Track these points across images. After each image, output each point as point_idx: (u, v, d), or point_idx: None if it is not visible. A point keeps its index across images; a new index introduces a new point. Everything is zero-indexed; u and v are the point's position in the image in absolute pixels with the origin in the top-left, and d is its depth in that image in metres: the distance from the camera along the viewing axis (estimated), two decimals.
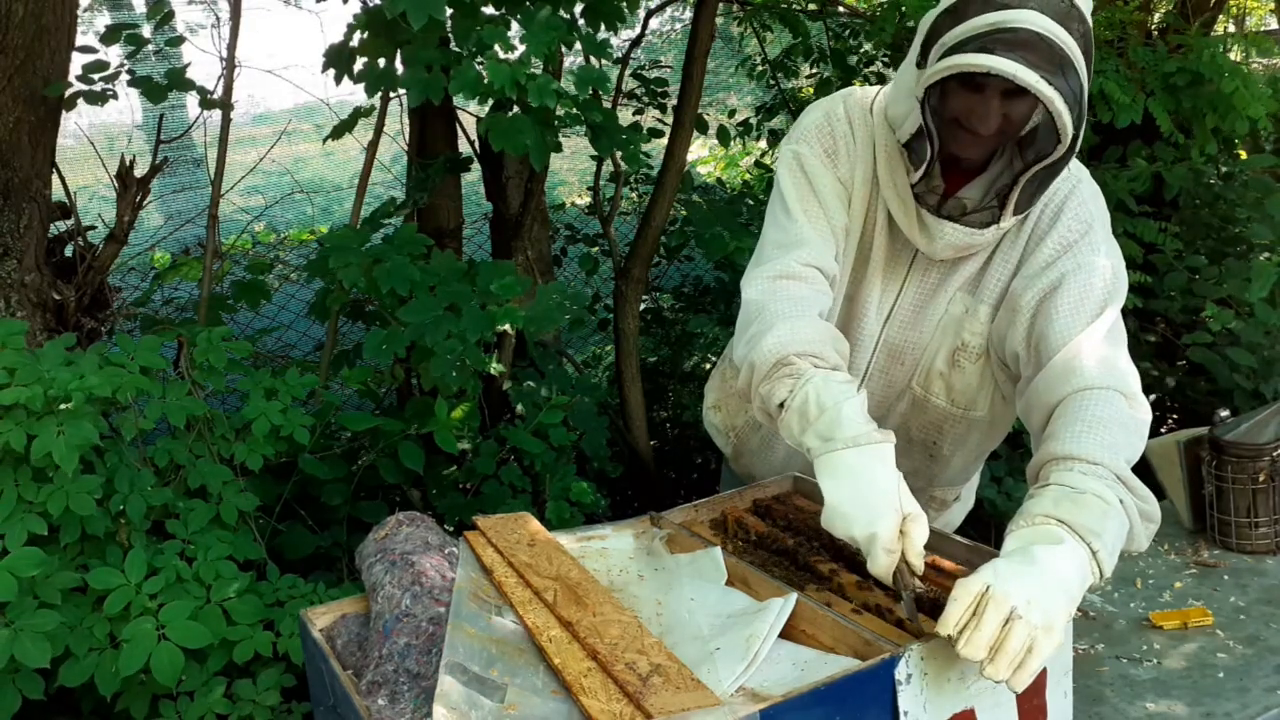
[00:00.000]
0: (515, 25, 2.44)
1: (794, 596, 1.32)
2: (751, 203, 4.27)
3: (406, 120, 3.07)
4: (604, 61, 2.51)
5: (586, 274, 4.02)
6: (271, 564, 2.05)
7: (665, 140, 3.30)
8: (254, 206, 4.24)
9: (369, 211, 2.90)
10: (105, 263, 2.48)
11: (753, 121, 4.86)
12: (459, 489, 2.65)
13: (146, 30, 2.79)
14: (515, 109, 2.35)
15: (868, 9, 4.54)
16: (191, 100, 2.83)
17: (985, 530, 3.14)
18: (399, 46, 2.48)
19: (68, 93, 2.42)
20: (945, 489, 1.98)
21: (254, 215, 4.03)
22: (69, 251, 2.54)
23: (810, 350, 1.45)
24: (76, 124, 3.35)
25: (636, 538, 1.59)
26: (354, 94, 2.64)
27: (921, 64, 1.48)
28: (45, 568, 1.66)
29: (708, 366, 4.23)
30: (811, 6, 4.48)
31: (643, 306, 3.86)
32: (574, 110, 2.41)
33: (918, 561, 1.29)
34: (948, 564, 1.41)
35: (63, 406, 1.77)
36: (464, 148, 3.21)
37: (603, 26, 2.56)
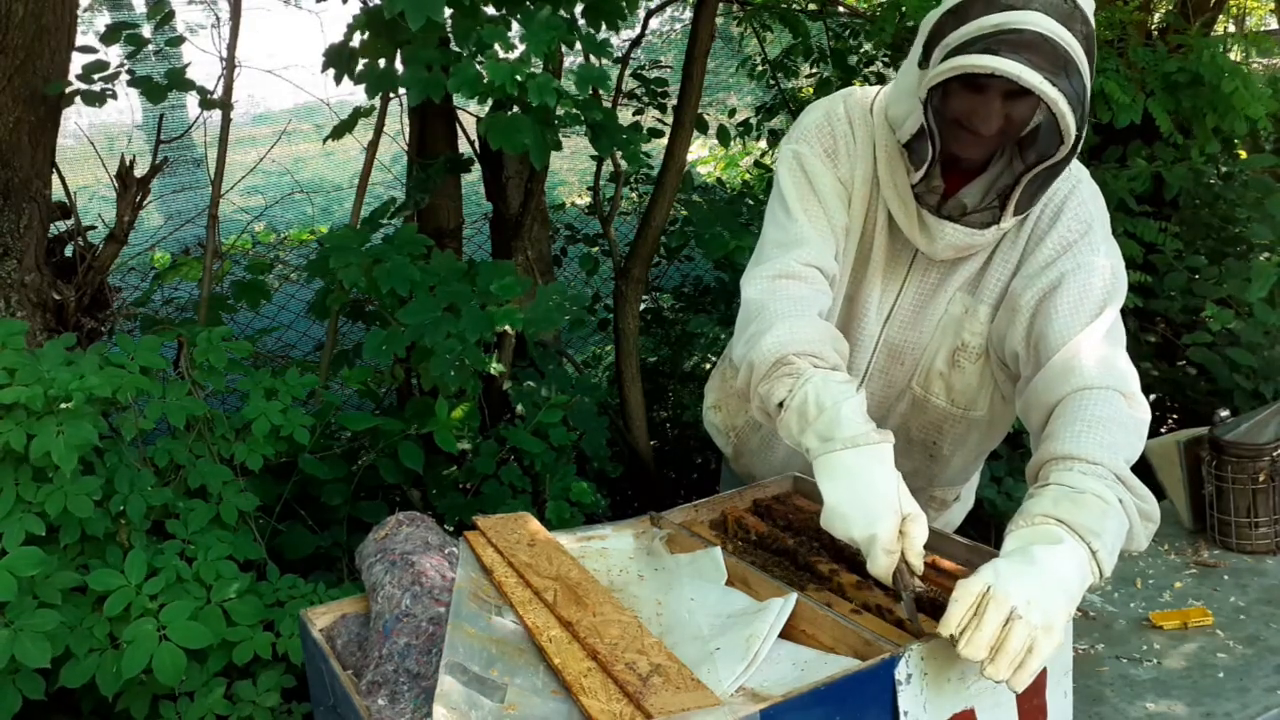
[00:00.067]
0: (516, 25, 2.44)
1: (794, 596, 1.32)
2: (751, 203, 4.28)
3: (406, 120, 3.07)
4: (604, 61, 2.51)
5: (586, 274, 4.02)
6: (271, 564, 2.05)
7: (665, 140, 3.30)
8: (254, 206, 4.24)
9: (369, 211, 2.90)
10: (105, 263, 2.48)
11: (753, 121, 4.86)
12: (459, 489, 2.65)
13: (146, 30, 2.79)
14: (515, 108, 2.35)
15: (868, 9, 4.55)
16: (191, 100, 2.83)
17: (985, 530, 3.14)
18: (399, 46, 2.48)
19: (67, 91, 2.42)
20: (945, 489, 1.99)
21: (254, 215, 4.04)
22: (69, 251, 2.54)
23: (809, 350, 1.45)
24: (76, 124, 3.36)
25: (636, 538, 1.59)
26: (354, 94, 2.64)
27: (924, 64, 1.47)
28: (45, 567, 1.66)
29: (708, 366, 4.23)
30: (811, 6, 4.48)
31: (643, 306, 3.87)
32: (574, 110, 2.41)
33: (917, 562, 1.29)
34: (948, 564, 1.41)
35: (63, 406, 1.77)
36: (464, 148, 3.22)
37: (603, 26, 2.56)
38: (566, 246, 4.25)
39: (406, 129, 3.09)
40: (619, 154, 3.01)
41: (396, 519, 1.50)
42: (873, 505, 1.29)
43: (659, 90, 3.94)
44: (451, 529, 2.41)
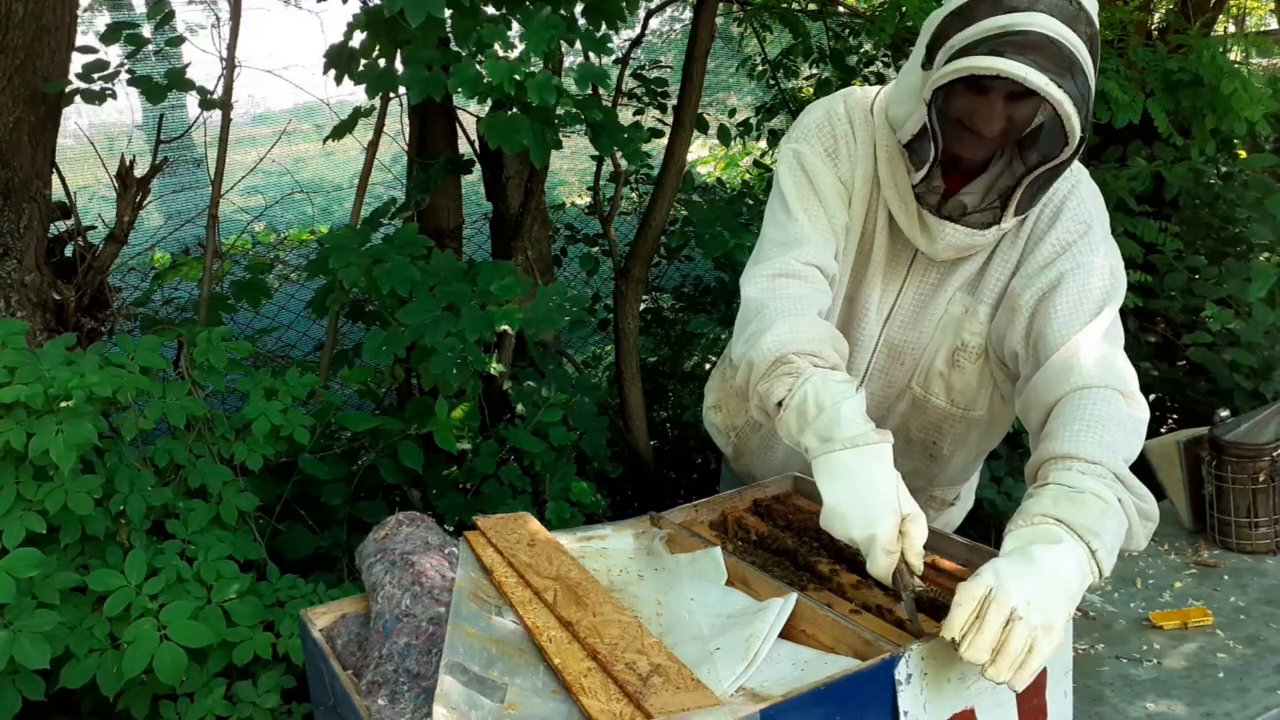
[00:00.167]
0: (516, 25, 2.44)
1: (794, 596, 1.32)
2: (751, 203, 4.28)
3: (406, 120, 3.07)
4: (604, 59, 2.51)
5: (586, 274, 4.02)
6: (271, 564, 2.05)
7: (665, 140, 3.30)
8: (254, 206, 4.24)
9: (369, 211, 2.90)
10: (105, 263, 2.48)
11: (753, 121, 4.86)
12: (459, 489, 2.65)
13: (146, 30, 2.79)
14: (514, 108, 2.35)
15: (868, 9, 4.55)
16: (191, 100, 2.83)
17: (985, 530, 3.14)
18: (399, 46, 2.48)
19: (67, 90, 2.42)
20: (945, 489, 1.99)
21: (254, 215, 4.03)
22: (69, 251, 2.54)
23: (809, 349, 1.45)
24: (76, 124, 3.36)
25: (636, 538, 1.59)
26: (354, 94, 2.64)
27: (927, 66, 1.47)
28: (44, 568, 1.66)
29: (708, 366, 4.23)
30: (811, 6, 4.48)
31: (643, 306, 3.87)
32: (574, 109, 2.41)
33: (917, 562, 1.29)
34: (948, 564, 1.41)
35: (63, 405, 1.77)
36: (464, 148, 3.22)
37: (603, 25, 2.56)
38: (566, 246, 4.25)
39: (406, 129, 3.09)
40: (619, 154, 3.01)
41: (396, 519, 1.49)
42: (872, 505, 1.29)
43: (659, 90, 3.94)
44: (451, 529, 2.41)
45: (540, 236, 3.48)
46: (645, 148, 2.74)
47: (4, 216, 2.28)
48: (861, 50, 4.54)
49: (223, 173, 2.74)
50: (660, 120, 3.79)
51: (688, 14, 4.77)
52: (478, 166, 3.27)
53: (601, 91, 3.39)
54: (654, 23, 4.74)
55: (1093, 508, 1.26)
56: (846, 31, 4.57)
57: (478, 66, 2.25)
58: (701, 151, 7.67)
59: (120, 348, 1.98)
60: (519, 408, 2.79)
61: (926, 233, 1.59)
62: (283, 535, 2.30)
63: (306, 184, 4.48)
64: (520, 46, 2.31)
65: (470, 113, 3.20)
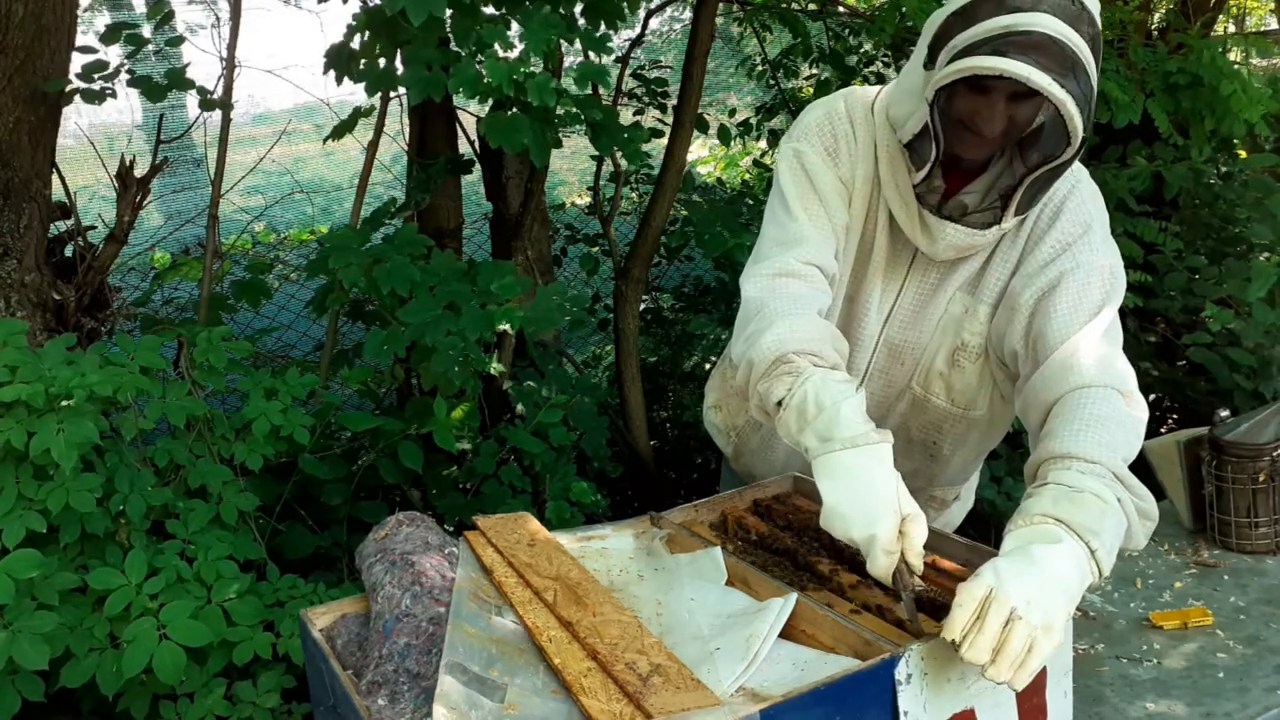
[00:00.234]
0: (516, 25, 2.44)
1: (794, 596, 1.32)
2: (751, 203, 4.28)
3: (406, 120, 3.07)
4: (604, 59, 2.51)
5: (586, 274, 4.02)
6: (271, 564, 2.05)
7: (665, 140, 3.30)
8: (254, 206, 4.24)
9: (369, 211, 2.90)
10: (105, 263, 2.48)
11: (753, 121, 4.86)
12: (459, 489, 2.65)
13: (146, 30, 2.79)
14: (514, 108, 2.35)
15: (868, 9, 4.54)
16: (191, 100, 2.83)
17: (985, 530, 3.14)
18: (399, 46, 2.48)
19: (67, 89, 2.42)
20: (945, 489, 1.99)
21: (254, 215, 4.03)
22: (69, 251, 2.54)
23: (809, 348, 1.45)
24: (76, 124, 3.35)
25: (636, 538, 1.59)
26: (354, 94, 2.64)
27: (929, 65, 1.47)
28: (44, 569, 1.66)
29: (708, 366, 4.23)
30: (811, 6, 4.48)
31: (643, 306, 3.87)
32: (574, 109, 2.41)
33: (917, 562, 1.29)
34: (948, 564, 1.41)
35: (64, 403, 1.77)
36: (464, 148, 3.22)
37: (602, 24, 2.56)
38: (566, 246, 4.25)
39: (406, 129, 3.09)
40: (619, 154, 3.01)
41: (396, 519, 1.49)
42: (872, 506, 1.29)
43: (659, 90, 3.94)
44: (451, 529, 2.41)
45: (540, 236, 3.48)
46: (645, 148, 2.74)
47: (4, 216, 2.28)
48: (861, 50, 4.54)
49: (223, 173, 2.74)
50: (660, 120, 3.79)
51: (688, 14, 4.77)
52: (478, 166, 3.27)
53: (601, 91, 3.39)
54: (654, 23, 4.74)
55: (1092, 507, 1.26)
56: (846, 31, 4.57)
57: (478, 66, 2.25)
58: (701, 151, 7.67)
59: (120, 348, 1.98)
60: (519, 408, 2.79)
61: (927, 233, 1.59)
62: (283, 535, 2.30)
63: (306, 184, 4.48)
64: (520, 46, 2.31)
65: (470, 113, 3.20)
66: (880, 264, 1.71)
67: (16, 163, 2.32)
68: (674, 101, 3.39)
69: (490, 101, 2.34)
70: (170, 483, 2.02)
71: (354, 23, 2.56)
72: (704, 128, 3.53)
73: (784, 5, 4.32)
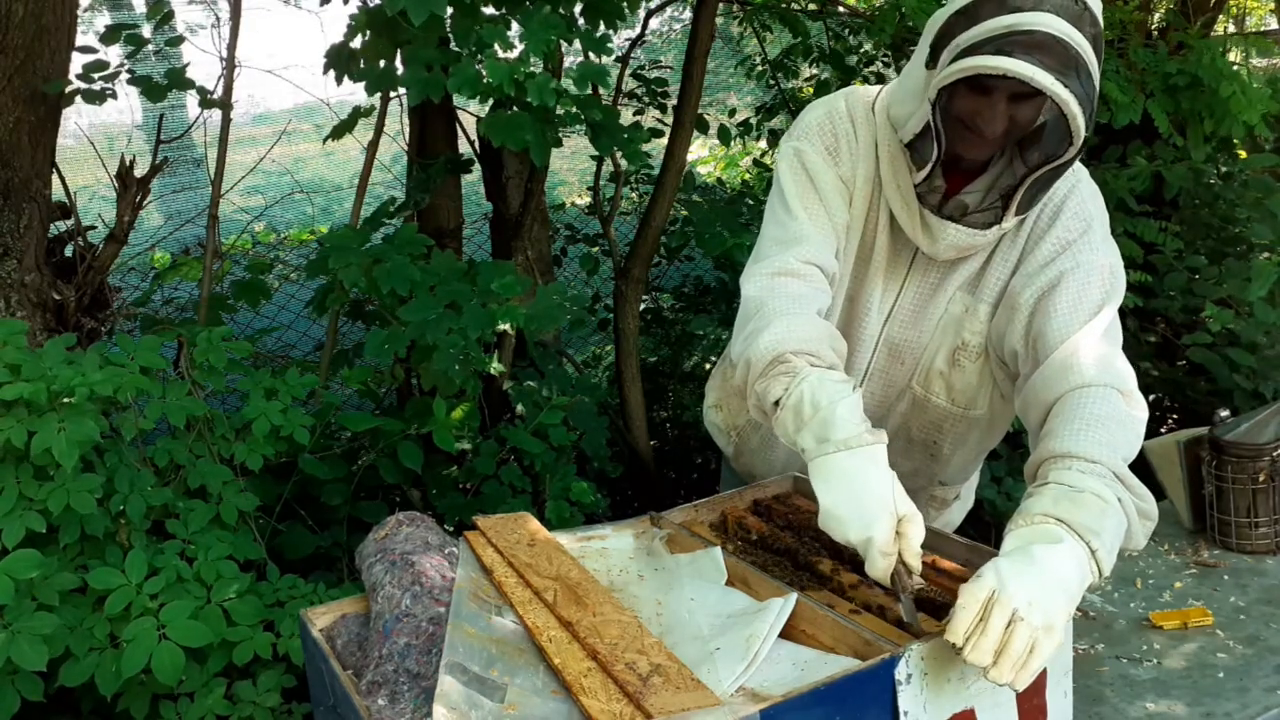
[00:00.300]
0: (516, 26, 2.44)
1: (794, 596, 1.32)
2: (751, 203, 4.28)
3: (406, 120, 3.07)
4: (604, 59, 2.51)
5: (586, 274, 4.02)
6: (271, 564, 2.05)
7: (665, 140, 3.30)
8: (254, 206, 4.24)
9: (369, 211, 2.90)
10: (105, 263, 2.48)
11: (753, 121, 4.86)
12: (459, 489, 2.65)
13: (146, 30, 2.79)
14: (515, 107, 2.35)
15: (868, 9, 4.54)
16: (191, 100, 2.83)
17: (985, 530, 3.14)
18: (399, 46, 2.48)
19: (67, 90, 2.42)
20: (945, 488, 1.99)
21: (254, 215, 4.03)
22: (69, 251, 2.54)
23: (807, 348, 1.45)
24: (76, 124, 3.36)
25: (636, 538, 1.59)
26: (354, 94, 2.64)
27: (931, 65, 1.47)
28: (44, 570, 1.66)
29: (708, 366, 4.23)
30: (811, 6, 4.48)
31: (643, 306, 3.87)
32: (574, 109, 2.41)
33: (915, 562, 1.29)
34: (947, 564, 1.41)
35: (65, 402, 1.77)
36: (464, 148, 3.21)
37: (602, 25, 2.56)
38: (566, 246, 4.25)
39: (406, 129, 3.09)
40: (619, 154, 3.01)
41: (396, 519, 1.50)
42: (868, 508, 1.29)
43: (659, 90, 3.94)
44: (451, 529, 2.41)
45: (540, 236, 3.48)
46: (645, 148, 2.74)
47: (4, 216, 2.28)
48: (861, 50, 4.54)
49: (223, 173, 2.74)
50: (660, 120, 3.79)
51: (688, 14, 4.77)
52: (478, 166, 3.27)
53: (601, 91, 3.39)
54: (654, 23, 4.74)
55: (1093, 507, 1.26)
56: (846, 31, 4.57)
57: (478, 66, 2.25)
58: (701, 151, 7.67)
59: (120, 348, 1.98)
60: (519, 408, 2.79)
61: (928, 233, 1.59)
62: (283, 535, 2.30)
63: (306, 184, 4.48)
64: (520, 46, 2.31)
65: (470, 113, 3.20)
66: (881, 263, 1.71)
67: (16, 163, 2.32)
68: (674, 101, 3.39)
69: (490, 101, 2.34)
70: (170, 483, 2.02)
71: (354, 22, 2.56)
72: (704, 128, 3.53)
73: (784, 5, 4.32)
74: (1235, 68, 3.30)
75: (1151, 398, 3.79)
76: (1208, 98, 3.18)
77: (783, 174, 1.68)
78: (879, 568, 1.28)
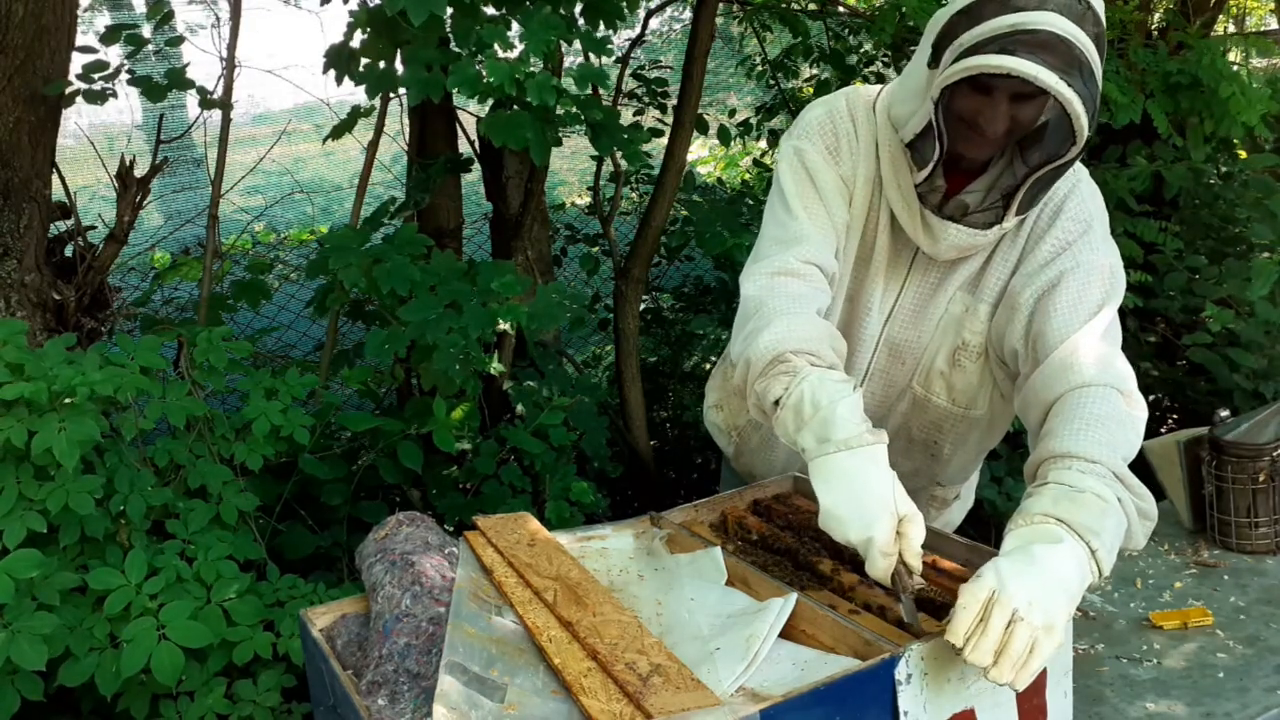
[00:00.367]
0: (516, 26, 2.44)
1: (794, 596, 1.32)
2: (751, 203, 4.28)
3: (406, 120, 3.07)
4: (604, 60, 2.51)
5: (587, 274, 4.02)
6: (271, 564, 2.05)
7: (665, 140, 3.30)
8: (254, 206, 4.24)
9: (369, 211, 2.90)
10: (105, 263, 2.48)
11: (753, 121, 4.86)
12: (459, 489, 2.65)
13: (146, 30, 2.79)
14: (515, 106, 2.35)
15: (868, 9, 4.54)
16: (191, 100, 2.83)
17: (985, 530, 3.14)
18: (399, 46, 2.48)
19: (67, 91, 2.42)
20: (946, 488, 1.99)
21: (254, 215, 4.03)
22: (69, 251, 2.54)
23: (806, 348, 1.45)
24: (76, 124, 3.36)
25: (636, 538, 1.59)
26: (354, 94, 2.64)
27: (933, 64, 1.47)
28: (44, 569, 1.66)
29: (708, 366, 4.23)
30: (811, 6, 4.48)
31: (643, 306, 3.87)
32: (574, 109, 2.41)
33: (915, 562, 1.29)
34: (947, 564, 1.41)
35: (66, 402, 1.77)
36: (464, 148, 3.22)
37: (602, 25, 2.56)
38: (566, 246, 4.25)
39: (406, 129, 3.09)
40: (619, 154, 3.01)
41: (396, 519, 1.50)
42: (868, 508, 1.29)
43: (659, 90, 3.94)
44: (451, 529, 2.41)
45: (540, 236, 3.48)
46: (645, 148, 2.74)
47: (4, 216, 2.28)
48: (861, 50, 4.54)
49: (223, 173, 2.74)
50: (660, 120, 3.79)
51: (688, 14, 4.77)
52: (478, 166, 3.27)
53: (601, 91, 3.39)
54: (654, 23, 4.75)
55: (1093, 507, 1.26)
56: (846, 31, 4.57)
57: (478, 66, 2.25)
58: (701, 151, 7.68)
59: (120, 348, 1.98)
60: (519, 408, 2.79)
61: (929, 233, 1.59)
62: (283, 535, 2.30)
63: (306, 184, 4.48)
64: (520, 46, 2.31)
65: (470, 113, 3.20)
66: (881, 263, 1.70)
67: (16, 163, 2.32)
68: (674, 101, 3.39)
69: (490, 101, 2.34)
70: (170, 483, 2.02)
71: (354, 21, 2.55)
72: (704, 128, 3.53)
73: (784, 5, 4.32)
74: (1235, 68, 3.30)
75: (1151, 398, 3.79)
76: (1207, 98, 3.18)
77: (783, 173, 1.68)
78: (879, 568, 1.28)
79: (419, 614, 1.28)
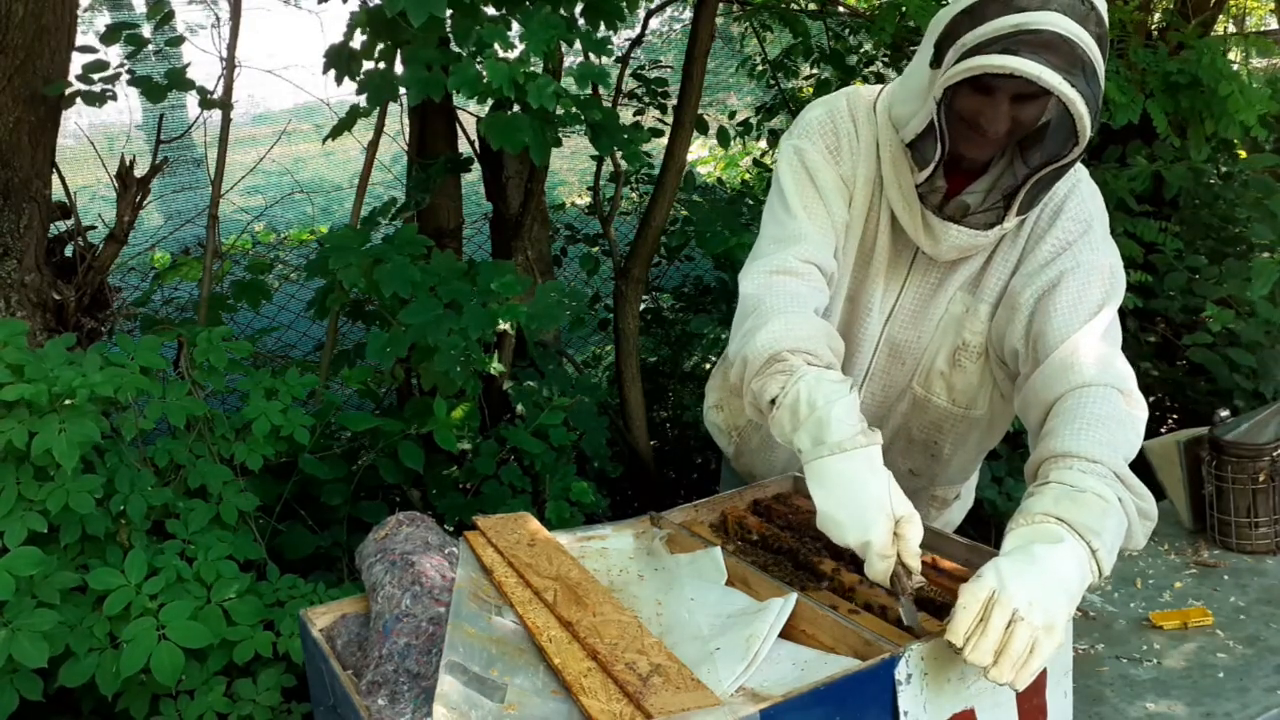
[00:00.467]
0: (516, 26, 2.44)
1: (794, 596, 1.32)
2: (751, 202, 4.28)
3: (406, 120, 3.07)
4: (604, 59, 2.51)
5: (587, 274, 4.02)
6: (271, 564, 2.05)
7: (665, 140, 3.30)
8: (254, 206, 4.24)
9: (369, 211, 2.90)
10: (105, 263, 2.48)
11: (753, 121, 4.86)
12: (459, 489, 2.65)
13: (146, 30, 2.79)
14: (515, 107, 2.35)
15: (868, 9, 4.54)
16: (191, 100, 2.83)
17: (985, 530, 3.14)
18: (399, 46, 2.48)
19: (67, 91, 2.42)
20: (946, 488, 1.99)
21: (254, 215, 4.03)
22: (69, 251, 2.54)
23: (804, 347, 1.45)
24: (76, 124, 3.35)
25: (636, 538, 1.59)
26: (354, 94, 2.64)
27: (935, 65, 1.47)
28: (44, 567, 1.66)
29: (708, 366, 4.23)
30: (811, 6, 4.48)
31: (643, 306, 3.87)
32: (574, 109, 2.41)
33: (914, 563, 1.29)
34: (947, 563, 1.41)
35: (66, 403, 1.77)
36: (464, 148, 3.22)
37: (602, 25, 2.56)
38: (566, 246, 4.25)
39: (406, 129, 3.09)
40: (619, 154, 3.01)
41: (396, 519, 1.50)
42: (864, 511, 1.29)
43: (659, 90, 3.94)
44: (451, 529, 2.41)
45: (540, 236, 3.48)
46: (645, 148, 2.74)
47: (4, 216, 2.28)
48: (861, 50, 4.54)
49: (223, 173, 2.74)
50: (660, 120, 3.79)
51: (688, 14, 4.77)
52: (478, 166, 3.27)
53: (601, 91, 3.39)
54: (654, 23, 4.74)
55: (1094, 507, 1.26)
56: (846, 31, 4.57)
57: (478, 67, 2.25)
58: (701, 151, 7.67)
59: (120, 348, 1.98)
60: (519, 408, 2.79)
61: (930, 234, 1.59)
62: (283, 535, 2.30)
63: (306, 184, 4.48)
64: (520, 46, 2.31)
65: (470, 113, 3.20)
66: (882, 264, 1.70)
67: (16, 163, 2.32)
68: (674, 101, 3.39)
69: (490, 101, 2.34)
70: (170, 483, 2.02)
71: (354, 21, 2.55)
72: (704, 128, 3.53)
73: (784, 5, 4.32)
74: (1235, 68, 3.30)
75: (1151, 398, 3.79)
76: (1207, 98, 3.18)
77: (783, 172, 1.68)
78: (878, 570, 1.28)
79: (419, 614, 1.28)
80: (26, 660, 1.60)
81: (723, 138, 4.41)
